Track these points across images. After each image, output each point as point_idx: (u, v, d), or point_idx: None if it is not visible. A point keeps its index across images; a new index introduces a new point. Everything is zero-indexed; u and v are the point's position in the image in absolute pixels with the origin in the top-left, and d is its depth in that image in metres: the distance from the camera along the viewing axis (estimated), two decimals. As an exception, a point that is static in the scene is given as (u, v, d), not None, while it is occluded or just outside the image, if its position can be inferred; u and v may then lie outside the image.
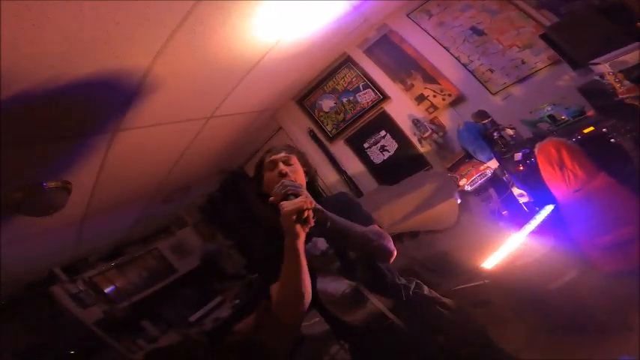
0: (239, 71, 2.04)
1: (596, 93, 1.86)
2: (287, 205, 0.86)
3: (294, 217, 0.85)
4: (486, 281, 1.65)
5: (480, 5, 2.53)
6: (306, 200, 0.87)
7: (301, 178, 1.07)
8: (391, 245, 1.01)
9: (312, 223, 0.88)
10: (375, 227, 1.05)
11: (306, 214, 0.86)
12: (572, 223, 1.57)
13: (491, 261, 1.62)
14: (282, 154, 1.08)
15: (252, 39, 1.78)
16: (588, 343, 1.38)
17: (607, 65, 1.67)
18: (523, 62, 2.43)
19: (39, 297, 3.29)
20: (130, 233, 3.97)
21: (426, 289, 1.06)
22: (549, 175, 1.71)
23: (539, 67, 2.37)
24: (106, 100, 1.54)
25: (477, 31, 2.56)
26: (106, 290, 3.70)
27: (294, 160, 1.11)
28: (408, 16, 2.72)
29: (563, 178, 1.66)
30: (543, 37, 2.26)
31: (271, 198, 0.92)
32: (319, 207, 0.91)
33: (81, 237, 3.06)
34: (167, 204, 3.70)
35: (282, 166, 1.05)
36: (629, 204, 1.52)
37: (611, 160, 1.64)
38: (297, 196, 0.90)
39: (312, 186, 1.15)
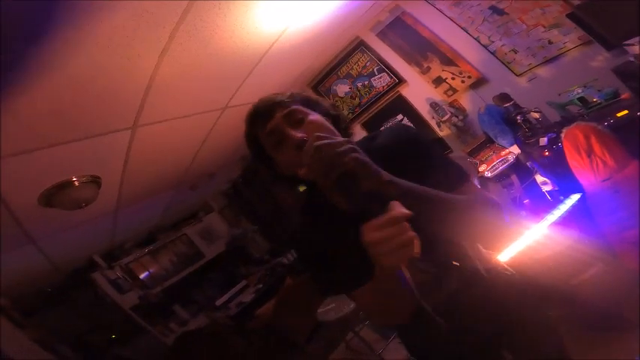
0: (248, 62, 2.00)
1: (632, 74, 1.68)
2: (371, 233, 0.50)
3: (387, 250, 0.50)
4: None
5: None
6: (398, 214, 0.51)
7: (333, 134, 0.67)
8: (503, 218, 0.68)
9: (418, 252, 0.50)
10: (473, 189, 0.70)
11: (405, 242, 0.50)
12: (598, 214, 1.43)
13: (508, 253, 1.51)
14: (277, 114, 0.70)
15: (256, 30, 1.72)
16: (611, 341, 1.29)
17: None
18: (550, 42, 2.22)
19: (82, 284, 3.54)
20: (160, 220, 4.16)
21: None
22: (576, 163, 1.57)
23: (568, 47, 2.15)
24: (120, 100, 1.57)
25: (497, 11, 2.36)
26: (141, 276, 3.90)
27: (301, 110, 0.71)
28: None
29: (591, 166, 1.52)
30: (571, 16, 2.04)
31: (318, 181, 0.56)
32: (391, 179, 0.56)
33: (115, 226, 3.23)
34: (194, 191, 3.83)
35: (290, 131, 0.67)
36: None
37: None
38: (362, 174, 0.55)
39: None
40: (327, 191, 0.59)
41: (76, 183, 1.92)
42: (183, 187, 3.57)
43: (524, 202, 1.80)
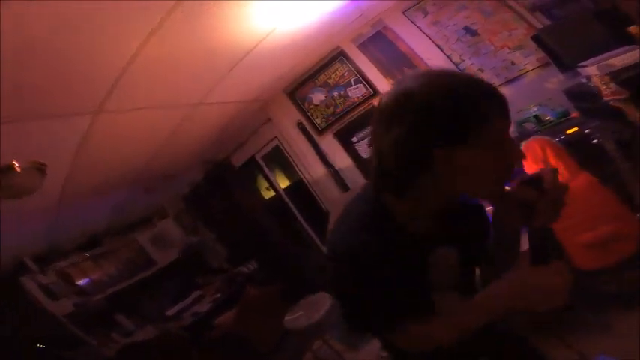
0: (231, 58, 2.04)
1: (581, 95, 1.94)
2: (557, 277, 0.55)
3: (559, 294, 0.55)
4: None
5: (476, 6, 2.61)
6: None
7: None
8: None
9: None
10: None
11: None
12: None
13: None
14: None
15: (247, 25, 1.78)
16: (566, 340, 1.46)
17: (595, 68, 1.73)
18: (513, 63, 2.53)
19: (7, 288, 3.17)
20: (108, 223, 3.89)
21: None
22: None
23: (528, 69, 2.47)
24: (90, 79, 1.50)
25: (470, 31, 2.65)
26: (80, 282, 3.61)
27: None
28: (404, 13, 2.78)
29: None
30: (534, 38, 2.34)
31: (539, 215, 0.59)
32: None
33: (55, 225, 2.99)
34: (149, 193, 3.65)
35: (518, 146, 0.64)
36: (608, 203, 1.59)
37: (593, 160, 1.72)
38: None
39: None
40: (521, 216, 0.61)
41: (18, 169, 1.75)
42: (137, 188, 3.38)
43: (487, 208, 1.97)
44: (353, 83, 2.98)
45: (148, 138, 2.49)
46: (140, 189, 3.42)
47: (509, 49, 2.53)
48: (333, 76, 3.03)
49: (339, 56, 2.98)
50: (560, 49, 2.13)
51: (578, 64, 1.88)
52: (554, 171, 0.59)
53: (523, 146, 1.82)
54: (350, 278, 0.65)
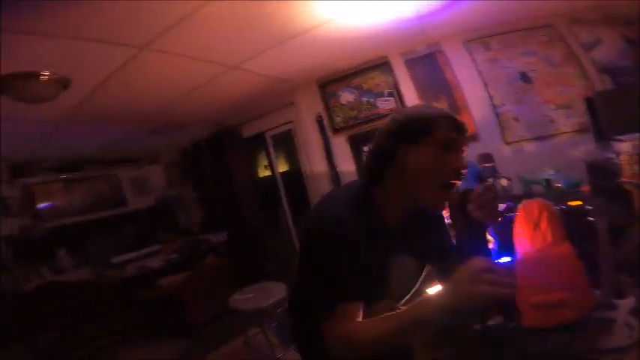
0: (282, 34, 2.27)
1: (601, 171, 2.14)
2: (496, 279, 0.60)
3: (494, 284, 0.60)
4: None
5: (544, 54, 2.77)
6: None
7: None
8: None
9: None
10: None
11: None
12: (520, 277, 1.87)
13: (436, 288, 1.91)
14: (467, 140, 0.87)
15: (309, 8, 2.00)
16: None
17: (629, 145, 1.90)
18: (551, 121, 2.72)
19: None
20: (98, 152, 4.18)
21: None
22: (521, 230, 2.00)
23: (563, 131, 2.67)
24: (153, 15, 1.75)
25: (524, 78, 2.83)
26: (40, 205, 3.85)
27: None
28: (464, 43, 2.99)
29: (532, 237, 1.94)
30: (587, 100, 2.51)
31: (472, 211, 0.78)
32: None
33: (47, 139, 3.26)
34: (151, 135, 3.93)
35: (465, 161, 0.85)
36: (573, 274, 1.80)
37: (582, 235, 1.93)
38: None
39: None
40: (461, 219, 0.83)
41: (45, 78, 2.03)
42: (142, 127, 3.65)
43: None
44: (385, 95, 3.24)
45: (175, 85, 2.77)
46: (144, 128, 3.71)
47: (555, 105, 2.72)
48: (370, 82, 3.30)
49: (382, 65, 3.24)
50: (605, 116, 2.28)
51: (615, 137, 2.05)
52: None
53: (523, 204, 2.07)
54: (319, 247, 0.82)
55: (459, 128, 0.83)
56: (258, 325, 2.74)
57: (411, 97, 3.16)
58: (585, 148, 2.53)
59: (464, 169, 0.81)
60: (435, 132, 0.80)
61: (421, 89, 3.14)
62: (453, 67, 3.06)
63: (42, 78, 2.02)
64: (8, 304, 3.22)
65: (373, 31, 2.59)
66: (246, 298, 2.65)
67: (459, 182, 0.81)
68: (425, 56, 3.13)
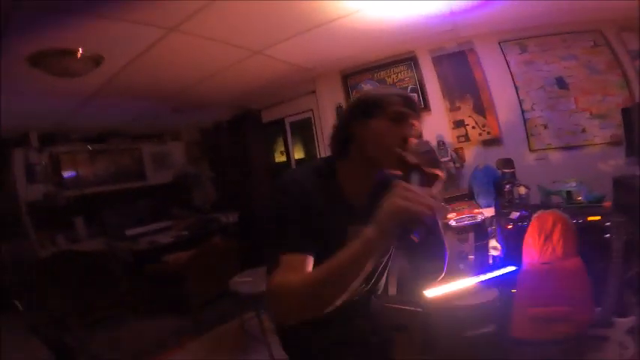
0: (309, 22, 2.31)
1: (627, 188, 2.08)
2: (413, 195, 0.65)
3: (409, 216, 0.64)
4: (419, 310, 2.01)
5: (587, 60, 2.65)
6: (437, 204, 0.67)
7: None
8: None
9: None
10: None
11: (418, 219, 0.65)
12: (522, 288, 1.93)
13: (434, 292, 1.95)
14: (418, 116, 0.94)
15: None
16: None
17: None
18: (583, 131, 2.63)
19: None
20: (124, 125, 4.43)
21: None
22: (531, 241, 1.99)
23: (594, 142, 2.58)
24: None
25: (561, 83, 2.74)
26: (65, 173, 4.11)
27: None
28: (500, 43, 2.92)
29: (540, 248, 1.94)
30: (624, 111, 2.42)
31: (397, 153, 0.83)
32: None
33: (78, 111, 3.48)
34: (175, 113, 4.15)
35: (414, 131, 0.91)
36: (577, 290, 1.79)
37: (595, 251, 1.89)
38: (432, 174, 0.81)
39: None
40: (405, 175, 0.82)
41: (79, 55, 2.20)
42: (167, 105, 3.86)
43: (469, 257, 2.24)
44: (408, 91, 3.21)
45: (200, 66, 2.89)
46: (169, 106, 3.90)
47: (591, 114, 2.62)
48: (393, 76, 3.31)
49: (409, 60, 3.24)
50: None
51: None
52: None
53: (538, 215, 2.05)
54: (271, 201, 0.90)
55: (409, 104, 0.92)
56: (253, 310, 2.80)
57: (435, 95, 3.15)
58: (615, 163, 2.45)
59: (410, 137, 0.88)
60: (387, 107, 0.91)
61: (446, 87, 3.12)
62: (483, 67, 3.00)
63: (77, 55, 2.20)
64: (22, 269, 3.49)
65: (401, 26, 2.58)
66: (244, 282, 2.73)
67: (406, 149, 0.86)
68: (454, 54, 3.09)
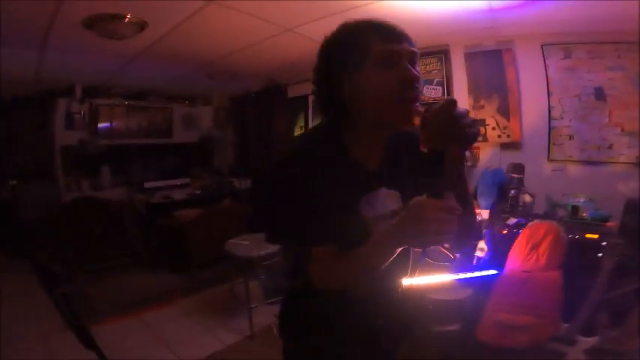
0: (339, 5, 2.40)
1: (636, 211, 2.06)
2: (433, 212, 0.62)
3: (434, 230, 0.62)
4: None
5: (635, 72, 2.50)
6: (455, 207, 0.63)
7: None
8: None
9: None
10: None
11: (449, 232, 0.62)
12: (496, 292, 1.98)
13: (410, 281, 2.11)
14: (407, 47, 0.78)
15: None
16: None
17: None
18: (610, 147, 2.54)
19: (45, 103, 4.19)
20: (159, 86, 4.82)
21: None
22: (518, 249, 2.04)
23: (618, 161, 2.50)
24: None
25: (599, 94, 2.62)
26: (101, 124, 4.54)
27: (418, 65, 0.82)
28: (542, 45, 2.83)
29: (525, 256, 1.99)
30: None
31: (424, 136, 0.69)
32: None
33: (121, 69, 3.86)
34: (208, 79, 4.46)
35: (409, 66, 0.77)
36: (549, 302, 1.82)
37: (585, 268, 1.91)
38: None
39: None
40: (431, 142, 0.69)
41: (126, 20, 2.50)
42: (202, 71, 4.16)
43: (454, 255, 2.24)
44: (434, 84, 3.25)
45: (235, 38, 3.10)
46: (204, 73, 4.20)
47: (623, 130, 2.52)
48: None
49: (441, 53, 3.22)
50: None
51: None
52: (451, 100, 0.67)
53: (531, 224, 2.11)
54: (284, 178, 0.81)
55: (391, 36, 0.78)
56: (240, 275, 2.90)
57: (461, 90, 3.15)
58: (635, 185, 2.33)
59: (410, 79, 0.76)
60: (367, 50, 0.76)
61: (473, 84, 3.10)
62: (517, 68, 2.93)
63: (125, 20, 2.49)
64: (42, 210, 3.92)
65: (438, 18, 2.58)
66: (239, 244, 2.82)
67: (412, 94, 0.76)
68: (489, 52, 3.02)
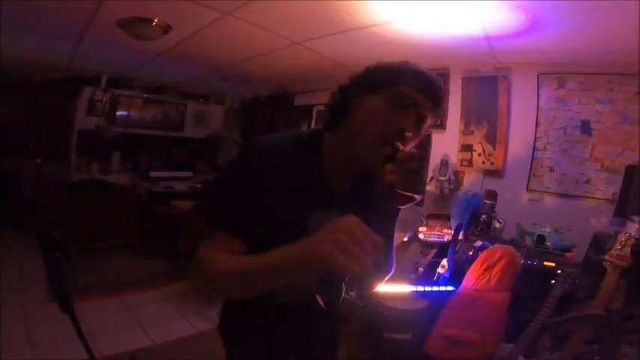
0: (344, 24, 2.60)
1: (598, 246, 2.12)
2: (348, 246, 0.53)
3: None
4: (360, 303, 2.25)
5: (624, 106, 2.54)
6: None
7: None
8: None
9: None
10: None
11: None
12: (448, 307, 2.11)
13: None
14: (429, 109, 0.79)
15: (369, 6, 2.27)
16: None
17: (636, 226, 1.90)
18: (587, 182, 2.60)
19: (73, 88, 4.59)
20: (177, 83, 5.22)
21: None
22: (473, 268, 2.17)
23: (593, 196, 2.57)
24: None
25: (585, 128, 2.67)
26: (119, 113, 4.91)
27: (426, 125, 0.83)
28: (539, 74, 2.90)
29: (478, 276, 2.11)
30: (628, 168, 2.39)
31: (388, 173, 0.69)
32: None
33: (144, 65, 4.27)
34: (223, 81, 4.83)
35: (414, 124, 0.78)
36: (493, 322, 1.94)
37: (537, 292, 2.01)
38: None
39: None
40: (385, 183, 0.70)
41: (153, 23, 2.84)
42: (218, 73, 4.53)
43: (419, 268, 2.47)
44: None
45: (248, 47, 3.40)
46: (219, 75, 4.55)
47: (602, 167, 2.57)
48: None
49: (440, 76, 3.28)
50: (634, 192, 2.22)
51: (631, 216, 2.02)
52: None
53: (491, 247, 2.25)
54: (242, 166, 0.80)
55: (426, 91, 0.77)
56: None
57: (454, 114, 3.28)
58: (607, 221, 2.47)
59: (408, 132, 0.76)
60: (394, 85, 0.76)
61: (466, 109, 3.22)
62: (510, 96, 3.01)
63: (152, 23, 2.82)
64: (49, 187, 4.21)
65: (436, 42, 2.73)
66: None
67: (399, 143, 0.74)
68: (485, 78, 3.12)
